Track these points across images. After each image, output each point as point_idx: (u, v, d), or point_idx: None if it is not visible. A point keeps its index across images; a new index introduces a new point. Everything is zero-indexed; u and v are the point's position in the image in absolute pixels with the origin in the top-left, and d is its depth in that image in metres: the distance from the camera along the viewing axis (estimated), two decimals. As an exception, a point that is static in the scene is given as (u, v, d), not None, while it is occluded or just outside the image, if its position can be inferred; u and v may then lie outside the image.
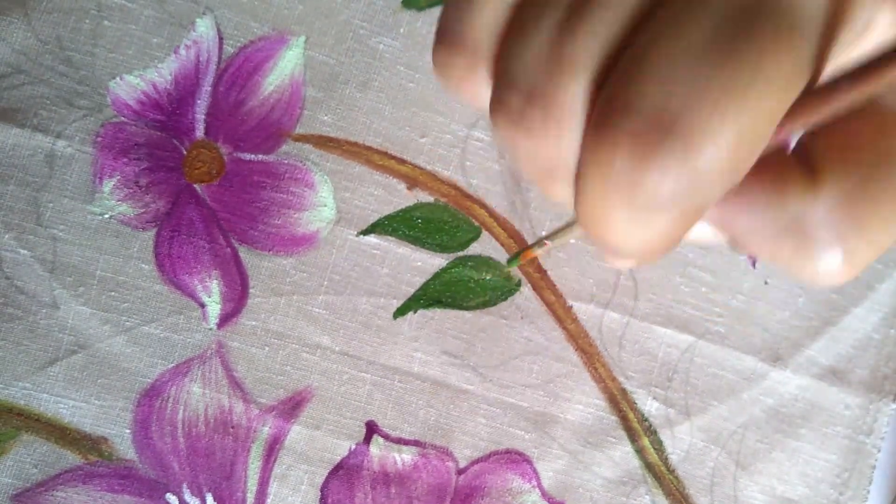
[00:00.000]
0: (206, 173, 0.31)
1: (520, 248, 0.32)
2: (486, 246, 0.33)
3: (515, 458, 0.33)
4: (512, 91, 0.15)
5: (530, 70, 0.14)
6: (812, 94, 0.14)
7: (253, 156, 0.32)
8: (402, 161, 0.33)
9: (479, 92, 0.16)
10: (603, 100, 0.14)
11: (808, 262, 0.15)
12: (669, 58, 0.13)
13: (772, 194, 0.15)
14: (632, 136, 0.13)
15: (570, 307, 0.34)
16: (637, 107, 0.13)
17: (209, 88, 0.31)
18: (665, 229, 0.14)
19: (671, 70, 0.13)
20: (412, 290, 0.33)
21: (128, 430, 0.31)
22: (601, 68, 0.14)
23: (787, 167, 0.15)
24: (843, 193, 0.15)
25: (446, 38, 0.16)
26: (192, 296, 0.32)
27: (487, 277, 0.33)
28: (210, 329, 0.32)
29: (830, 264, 0.15)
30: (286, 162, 0.32)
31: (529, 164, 0.16)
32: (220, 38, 0.31)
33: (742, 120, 0.13)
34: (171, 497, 0.31)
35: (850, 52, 0.14)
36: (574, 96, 0.14)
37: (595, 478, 0.34)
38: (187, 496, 0.31)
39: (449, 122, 0.33)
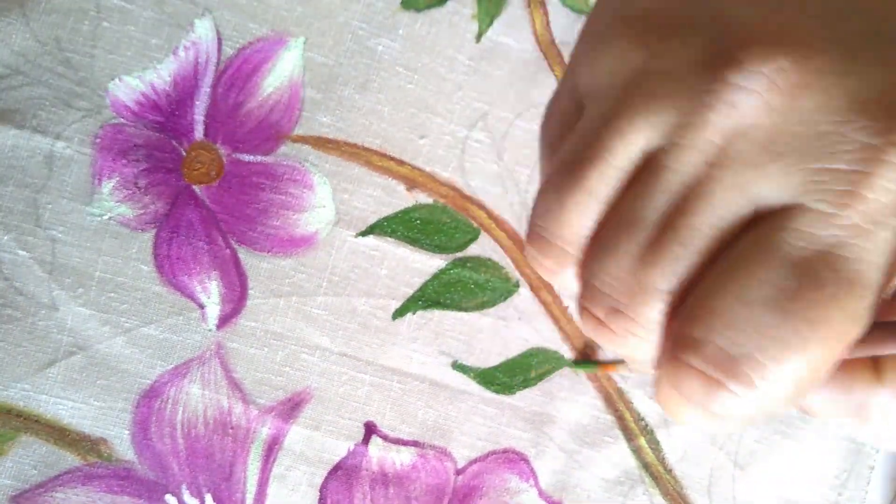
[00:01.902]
0: (205, 174, 0.32)
1: (597, 360, 0.34)
2: (485, 247, 0.33)
3: (513, 458, 0.34)
4: (595, 304, 0.17)
5: (611, 290, 0.16)
6: (871, 328, 0.15)
7: (252, 157, 0.32)
8: (401, 162, 0.33)
9: (569, 285, 0.18)
10: (676, 333, 0.15)
11: (869, 436, 0.18)
12: (734, 305, 0.15)
13: (840, 383, 0.17)
14: (700, 373, 0.15)
15: (567, 307, 0.34)
16: (705, 348, 0.15)
17: (208, 90, 0.31)
18: (732, 428, 0.17)
19: (736, 317, 0.15)
20: (411, 292, 0.33)
21: (127, 432, 0.31)
22: (676, 295, 0.16)
23: (853, 360, 0.17)
24: None
25: (536, 241, 0.18)
26: (192, 297, 0.32)
27: (486, 278, 0.33)
28: (209, 330, 0.32)
29: (889, 440, 0.18)
30: (285, 163, 0.32)
31: (613, 352, 0.18)
32: (219, 40, 0.31)
33: (800, 367, 0.14)
34: (170, 498, 0.31)
35: None
36: (650, 320, 0.16)
37: (592, 477, 0.34)
38: (186, 497, 0.31)
39: (448, 123, 0.33)
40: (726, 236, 0.15)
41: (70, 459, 0.31)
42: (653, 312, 0.16)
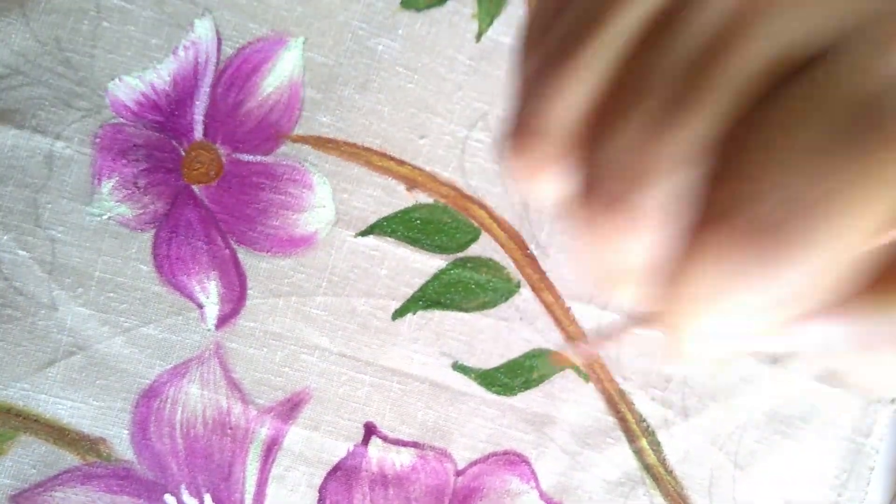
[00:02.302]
0: (205, 174, 0.31)
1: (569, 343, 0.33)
2: (486, 247, 0.33)
3: (514, 460, 0.33)
4: (592, 196, 0.14)
5: (614, 173, 0.13)
6: None
7: (251, 157, 0.32)
8: (402, 162, 0.33)
9: (551, 185, 0.15)
10: (706, 203, 0.13)
11: (872, 380, 0.15)
12: (785, 156, 0.13)
13: (877, 302, 0.14)
14: (749, 234, 0.12)
15: (569, 308, 0.34)
16: (756, 205, 0.12)
17: (208, 89, 0.31)
18: (756, 329, 0.13)
19: (789, 168, 0.12)
20: (411, 292, 0.33)
21: (126, 431, 0.31)
22: (707, 161, 0.13)
23: (892, 273, 0.15)
24: None
25: (523, 128, 0.15)
26: (191, 297, 0.32)
27: (487, 279, 0.33)
28: (208, 330, 0.32)
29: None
30: (285, 163, 0.32)
31: (596, 265, 0.15)
32: (219, 40, 0.31)
33: (864, 219, 0.12)
34: (169, 498, 0.31)
35: None
36: (661, 201, 0.13)
37: (593, 479, 0.34)
38: (185, 497, 0.31)
39: (448, 123, 0.33)
40: (763, 87, 0.13)
41: (69, 459, 0.31)
42: (664, 191, 0.13)
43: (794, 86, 0.13)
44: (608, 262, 0.14)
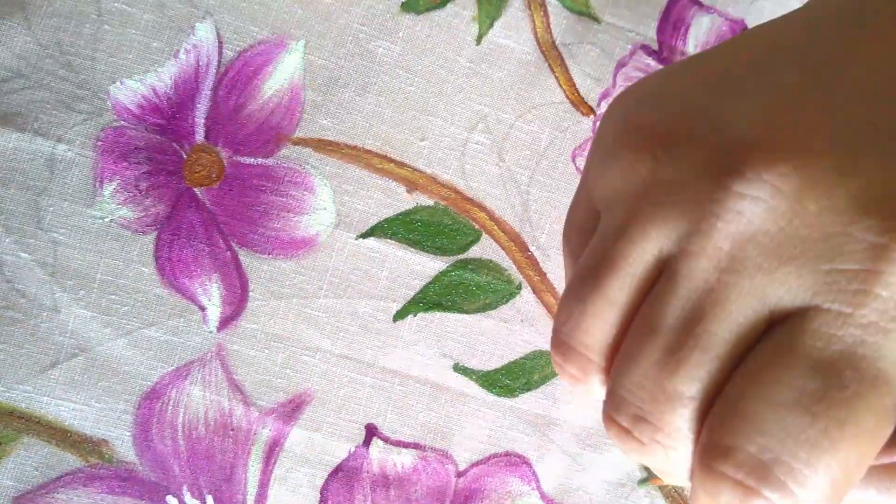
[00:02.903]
0: (206, 177, 0.32)
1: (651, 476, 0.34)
2: (487, 249, 0.33)
3: (515, 461, 0.34)
4: (620, 413, 0.17)
5: (636, 398, 0.16)
6: None
7: (253, 159, 0.32)
8: (402, 164, 0.33)
9: (594, 391, 0.18)
10: (705, 441, 0.16)
11: None
12: (761, 410, 0.15)
13: (882, 480, 0.17)
14: (733, 481, 0.15)
15: (570, 310, 0.34)
16: (736, 455, 0.15)
17: (209, 92, 0.31)
18: None
19: (764, 422, 0.15)
20: (412, 294, 0.33)
21: (128, 433, 0.31)
22: (702, 401, 0.16)
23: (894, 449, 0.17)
24: None
25: (559, 347, 0.18)
26: (193, 299, 0.32)
27: (488, 280, 0.33)
28: (210, 332, 0.32)
29: None
30: (286, 165, 0.32)
31: (643, 462, 0.18)
32: (220, 43, 0.32)
33: (833, 469, 0.14)
34: (171, 499, 0.31)
35: None
36: (676, 427, 0.16)
37: (594, 480, 0.34)
38: (188, 498, 0.31)
39: (448, 126, 0.33)
40: (746, 340, 0.15)
41: (72, 461, 0.31)
42: (678, 419, 0.16)
43: (769, 343, 0.15)
44: (648, 462, 0.17)
